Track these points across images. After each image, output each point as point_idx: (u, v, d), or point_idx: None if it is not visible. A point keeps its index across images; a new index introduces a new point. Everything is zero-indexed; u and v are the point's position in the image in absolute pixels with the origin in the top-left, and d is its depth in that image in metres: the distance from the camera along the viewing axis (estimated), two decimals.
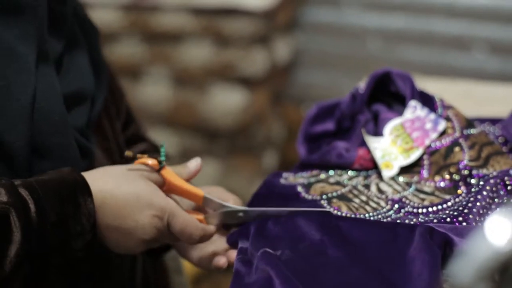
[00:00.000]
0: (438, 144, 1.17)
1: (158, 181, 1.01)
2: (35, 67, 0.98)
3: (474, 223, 1.00)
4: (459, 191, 1.09)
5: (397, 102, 1.27)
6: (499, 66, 2.54)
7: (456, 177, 1.12)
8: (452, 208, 1.04)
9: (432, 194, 1.10)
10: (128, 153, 1.01)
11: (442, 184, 1.12)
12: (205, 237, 1.02)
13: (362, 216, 1.05)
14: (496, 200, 1.04)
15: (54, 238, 0.91)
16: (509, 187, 1.05)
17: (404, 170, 1.15)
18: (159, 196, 0.98)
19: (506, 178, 1.05)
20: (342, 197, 1.10)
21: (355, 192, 1.12)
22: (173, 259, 1.35)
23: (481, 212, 1.02)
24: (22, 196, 0.90)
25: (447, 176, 1.12)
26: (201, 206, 1.06)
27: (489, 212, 1.02)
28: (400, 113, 1.23)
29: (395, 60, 2.65)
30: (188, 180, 1.05)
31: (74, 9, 1.13)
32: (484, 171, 1.11)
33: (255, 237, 1.00)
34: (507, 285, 0.50)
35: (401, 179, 1.14)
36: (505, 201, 1.04)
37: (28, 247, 0.89)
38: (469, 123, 1.19)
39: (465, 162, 1.13)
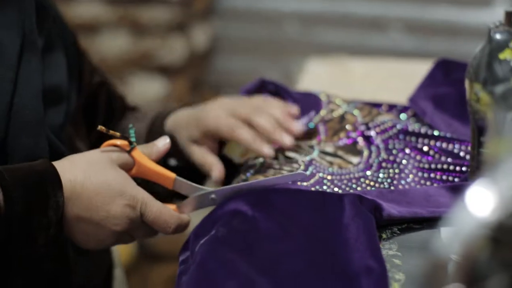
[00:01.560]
0: (329, 116, 1.24)
1: (128, 163, 0.98)
2: (17, 59, 0.96)
3: (399, 187, 1.07)
4: (358, 146, 1.16)
5: None
6: (414, 45, 2.57)
7: (353, 134, 1.19)
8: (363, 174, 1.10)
9: (335, 154, 1.16)
10: (101, 127, 0.97)
11: (341, 143, 1.18)
12: (180, 227, 0.99)
13: None
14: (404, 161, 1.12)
15: (18, 229, 0.88)
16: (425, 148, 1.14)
17: (303, 136, 1.19)
18: (131, 185, 0.95)
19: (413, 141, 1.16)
20: (257, 171, 1.12)
21: (266, 164, 1.13)
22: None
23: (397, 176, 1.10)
24: None
25: (344, 135, 1.19)
26: (172, 189, 1.02)
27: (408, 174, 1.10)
28: None
29: (313, 43, 2.66)
30: (156, 160, 1.02)
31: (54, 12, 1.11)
32: (378, 121, 1.21)
33: (193, 240, 0.98)
34: (497, 255, 0.50)
35: (302, 143, 1.18)
36: (422, 162, 1.08)
37: None
38: (352, 102, 1.28)
39: (360, 120, 1.22)
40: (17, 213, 0.87)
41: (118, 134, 0.98)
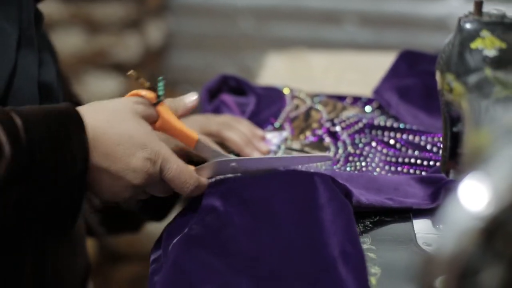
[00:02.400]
0: (295, 113, 1.24)
1: (152, 116, 0.94)
2: (16, 50, 0.94)
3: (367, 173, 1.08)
4: (324, 143, 1.17)
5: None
6: (370, 37, 2.58)
7: (319, 132, 1.19)
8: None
9: (302, 151, 1.16)
10: (131, 73, 0.93)
11: (307, 141, 1.18)
12: (198, 188, 0.96)
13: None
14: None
15: (43, 161, 0.84)
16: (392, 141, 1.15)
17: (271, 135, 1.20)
18: (153, 138, 0.92)
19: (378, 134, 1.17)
20: None
21: None
22: None
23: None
24: (10, 115, 0.84)
25: (310, 133, 1.19)
26: (193, 150, 0.99)
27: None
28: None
29: (268, 37, 2.65)
30: (182, 116, 0.98)
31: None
32: (343, 116, 1.21)
33: (165, 239, 0.96)
34: (490, 252, 0.49)
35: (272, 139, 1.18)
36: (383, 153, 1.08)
37: (18, 164, 0.82)
38: (316, 95, 1.29)
39: (325, 116, 1.22)
40: (39, 143, 0.84)
41: (147, 84, 0.94)
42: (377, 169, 1.10)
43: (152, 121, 0.94)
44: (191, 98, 0.99)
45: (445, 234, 0.50)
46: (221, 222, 0.92)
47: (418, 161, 1.10)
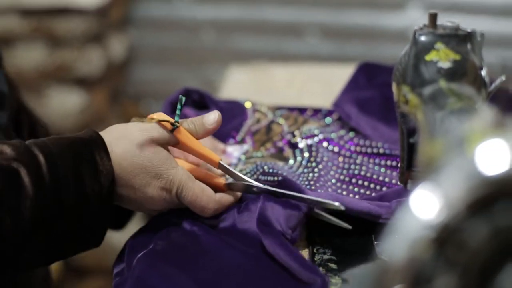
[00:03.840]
0: (256, 127, 1.25)
1: (171, 141, 0.95)
2: None
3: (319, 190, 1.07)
4: (285, 154, 1.17)
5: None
6: (331, 49, 2.60)
7: (279, 144, 1.20)
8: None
9: (262, 157, 1.17)
10: (151, 117, 0.94)
11: (267, 152, 1.19)
12: (218, 211, 0.97)
13: None
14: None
15: (69, 195, 0.86)
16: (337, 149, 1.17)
17: (232, 150, 1.20)
18: (168, 165, 0.93)
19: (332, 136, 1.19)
20: None
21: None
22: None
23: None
24: (32, 151, 0.85)
25: (271, 145, 1.20)
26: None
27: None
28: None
29: (230, 51, 2.67)
30: (204, 137, 0.99)
31: None
32: (304, 129, 1.22)
33: (129, 253, 0.96)
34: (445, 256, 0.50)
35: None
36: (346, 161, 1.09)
37: (42, 202, 0.83)
38: (277, 109, 1.31)
39: (286, 129, 1.23)
40: (64, 178, 0.86)
41: (170, 123, 0.95)
42: (333, 180, 1.10)
43: (173, 144, 0.96)
44: (212, 119, 0.98)
45: (397, 242, 0.51)
46: (186, 240, 0.93)
47: (374, 175, 1.11)
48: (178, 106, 0.97)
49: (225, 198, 0.98)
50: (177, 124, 0.95)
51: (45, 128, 1.25)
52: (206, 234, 0.94)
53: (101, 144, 0.90)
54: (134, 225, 1.19)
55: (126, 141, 0.92)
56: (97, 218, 0.90)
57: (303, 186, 1.06)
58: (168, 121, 0.94)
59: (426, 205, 0.51)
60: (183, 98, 0.97)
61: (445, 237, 0.51)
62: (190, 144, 0.97)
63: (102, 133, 0.93)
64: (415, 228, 0.51)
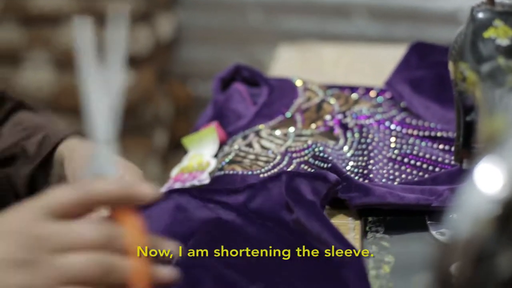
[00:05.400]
0: (306, 105, 1.23)
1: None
2: None
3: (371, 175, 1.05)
4: (334, 134, 1.16)
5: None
6: (378, 31, 2.58)
7: (330, 123, 1.18)
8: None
9: (311, 135, 1.15)
10: None
11: (317, 131, 1.17)
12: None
13: (257, 171, 1.06)
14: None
15: None
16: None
17: (279, 125, 1.18)
18: None
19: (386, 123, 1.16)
20: (232, 162, 1.10)
21: (242, 154, 1.12)
22: None
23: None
24: None
25: (322, 123, 1.18)
26: None
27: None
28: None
29: (277, 31, 2.66)
30: None
31: None
32: (355, 109, 1.20)
33: None
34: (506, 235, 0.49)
35: (277, 132, 1.17)
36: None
37: None
38: (328, 87, 1.28)
39: (337, 109, 1.21)
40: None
41: None
42: (385, 160, 1.09)
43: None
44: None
45: (460, 218, 0.50)
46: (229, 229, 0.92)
47: (432, 133, 1.11)
48: None
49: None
50: None
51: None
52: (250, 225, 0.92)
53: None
54: None
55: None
56: None
57: (352, 174, 1.05)
58: None
59: (490, 180, 0.50)
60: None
61: (510, 213, 0.50)
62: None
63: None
64: (479, 203, 0.50)
